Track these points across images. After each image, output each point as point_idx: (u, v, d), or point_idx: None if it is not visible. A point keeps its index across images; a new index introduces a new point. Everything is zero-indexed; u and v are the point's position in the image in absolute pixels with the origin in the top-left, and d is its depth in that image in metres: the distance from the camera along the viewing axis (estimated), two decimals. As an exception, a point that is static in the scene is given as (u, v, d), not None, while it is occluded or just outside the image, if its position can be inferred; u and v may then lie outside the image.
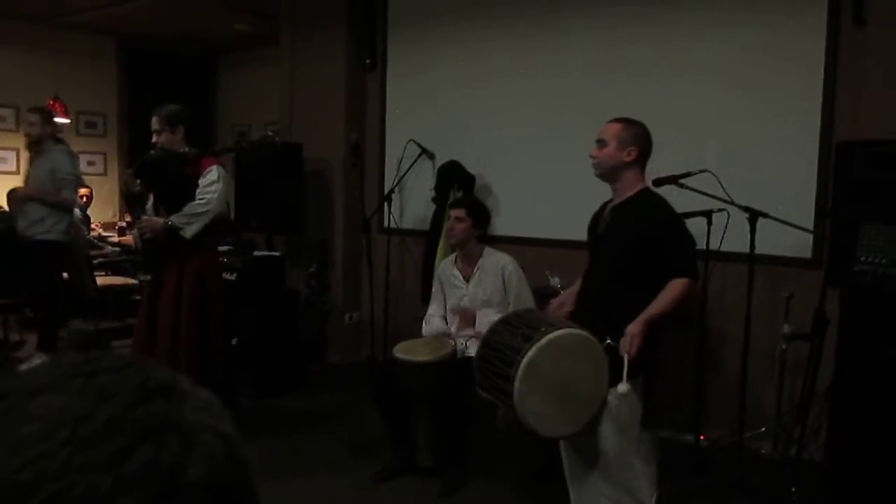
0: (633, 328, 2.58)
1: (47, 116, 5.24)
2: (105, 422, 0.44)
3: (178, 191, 3.86)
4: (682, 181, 3.29)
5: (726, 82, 4.20)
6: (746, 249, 3.41)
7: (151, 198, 3.99)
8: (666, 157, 3.68)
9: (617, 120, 2.87)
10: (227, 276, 4.68)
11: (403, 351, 3.55)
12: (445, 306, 3.90)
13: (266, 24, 6.67)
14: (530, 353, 2.49)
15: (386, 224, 5.53)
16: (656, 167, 3.00)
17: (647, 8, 4.45)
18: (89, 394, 0.46)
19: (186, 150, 3.93)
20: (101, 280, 6.25)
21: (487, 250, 3.81)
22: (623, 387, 2.53)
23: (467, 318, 3.76)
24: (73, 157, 5.30)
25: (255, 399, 4.75)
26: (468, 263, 3.81)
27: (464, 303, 3.79)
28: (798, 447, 3.45)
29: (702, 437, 3.88)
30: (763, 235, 3.43)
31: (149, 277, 3.89)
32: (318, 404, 4.82)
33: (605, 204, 2.94)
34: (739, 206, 3.39)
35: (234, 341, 4.35)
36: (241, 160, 5.76)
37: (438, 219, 4.97)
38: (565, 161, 4.61)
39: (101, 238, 7.30)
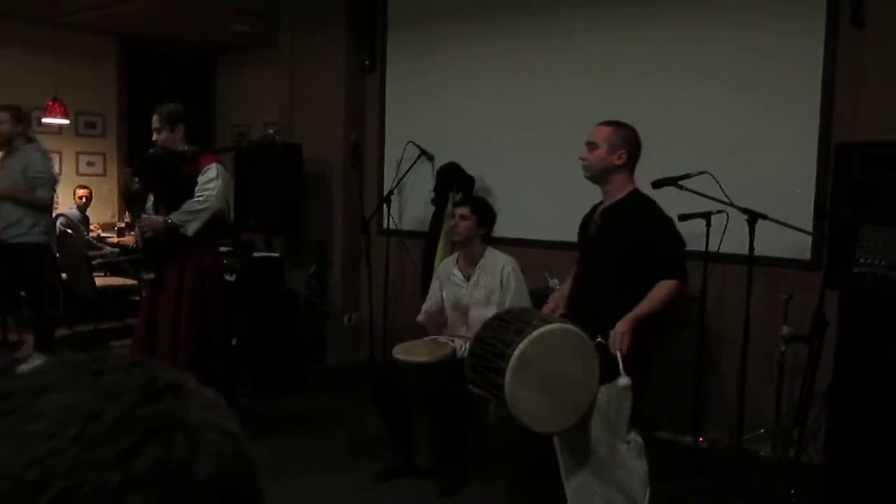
0: (621, 326, 2.62)
1: (17, 115, 5.14)
2: (113, 420, 0.44)
3: (177, 189, 3.86)
4: (681, 183, 3.30)
5: (725, 84, 4.20)
6: (745, 251, 3.41)
7: (152, 197, 3.99)
8: (665, 158, 3.69)
9: (607, 123, 2.88)
10: (226, 276, 4.67)
11: (403, 352, 3.56)
12: (440, 305, 3.91)
13: (265, 24, 6.67)
14: (522, 346, 2.50)
15: (385, 225, 5.53)
16: (656, 168, 3.00)
17: (646, 9, 4.46)
18: (97, 392, 0.46)
19: (186, 148, 3.93)
20: (100, 281, 6.24)
21: (490, 251, 3.80)
22: (624, 380, 2.55)
23: (461, 311, 3.77)
24: (46, 155, 5.23)
25: (255, 399, 4.75)
26: (469, 263, 3.81)
27: (463, 302, 3.79)
28: (797, 449, 3.45)
29: (701, 439, 3.88)
30: (762, 237, 3.43)
31: (152, 276, 3.87)
32: (318, 405, 4.82)
33: (596, 206, 2.95)
34: (738, 208, 3.39)
35: (233, 342, 4.35)
36: (241, 161, 5.76)
37: (437, 220, 4.97)
38: (565, 162, 4.57)
39: (99, 239, 7.28)
